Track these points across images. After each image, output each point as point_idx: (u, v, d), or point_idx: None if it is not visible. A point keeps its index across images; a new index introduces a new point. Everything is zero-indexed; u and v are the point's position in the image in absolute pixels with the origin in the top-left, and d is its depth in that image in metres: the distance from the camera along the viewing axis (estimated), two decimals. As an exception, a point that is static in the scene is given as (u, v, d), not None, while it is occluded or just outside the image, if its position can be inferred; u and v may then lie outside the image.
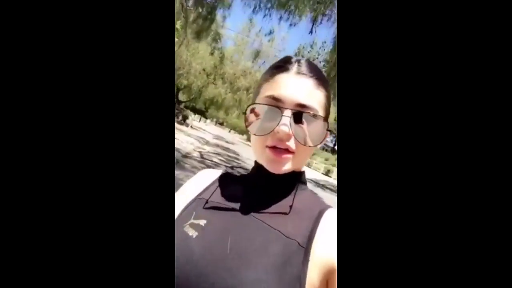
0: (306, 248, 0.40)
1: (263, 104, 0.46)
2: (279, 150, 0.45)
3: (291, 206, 0.46)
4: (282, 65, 0.48)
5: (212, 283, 0.38)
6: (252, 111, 0.47)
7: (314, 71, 0.48)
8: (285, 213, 0.45)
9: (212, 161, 8.24)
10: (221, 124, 50.44)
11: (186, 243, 0.42)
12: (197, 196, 0.52)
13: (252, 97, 0.52)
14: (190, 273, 0.39)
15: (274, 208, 0.47)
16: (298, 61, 0.48)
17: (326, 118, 0.48)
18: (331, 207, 0.47)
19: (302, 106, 0.44)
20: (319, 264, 0.39)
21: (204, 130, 24.46)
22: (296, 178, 0.50)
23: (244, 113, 0.47)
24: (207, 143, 13.41)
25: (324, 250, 0.40)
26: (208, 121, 44.76)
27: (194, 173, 0.64)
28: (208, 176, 0.56)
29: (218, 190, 0.52)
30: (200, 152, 9.26)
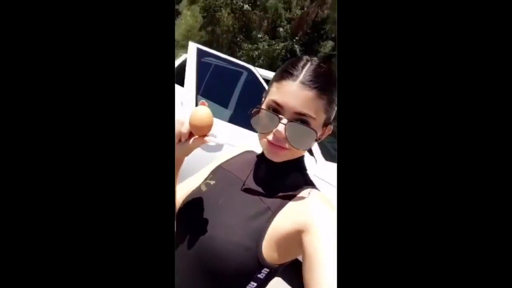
0: (273, 212, 0.54)
1: (264, 109, 0.54)
2: (276, 145, 0.54)
3: (279, 183, 0.59)
4: (291, 71, 0.53)
5: (206, 220, 0.56)
6: (257, 111, 0.55)
7: (319, 80, 0.52)
8: (272, 188, 0.59)
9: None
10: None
11: (198, 194, 0.62)
12: (220, 164, 0.70)
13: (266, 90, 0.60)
14: (196, 213, 0.58)
15: (266, 183, 0.60)
16: (308, 66, 0.53)
17: (326, 123, 0.56)
18: (312, 188, 0.58)
19: (300, 114, 0.52)
20: (284, 226, 0.51)
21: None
22: (294, 164, 0.60)
23: (250, 113, 0.56)
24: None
25: (288, 217, 0.52)
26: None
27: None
28: (236, 151, 0.73)
29: (235, 161, 0.69)
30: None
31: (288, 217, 0.52)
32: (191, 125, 0.50)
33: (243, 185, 0.61)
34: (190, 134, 0.52)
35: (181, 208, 0.63)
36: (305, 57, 0.56)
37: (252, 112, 0.55)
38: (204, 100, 0.52)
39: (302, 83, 0.51)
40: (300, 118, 0.52)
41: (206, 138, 0.50)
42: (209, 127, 0.50)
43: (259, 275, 0.52)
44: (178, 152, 0.52)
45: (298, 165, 0.61)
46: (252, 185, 0.60)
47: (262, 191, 0.59)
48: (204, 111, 0.50)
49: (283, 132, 0.51)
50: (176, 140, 0.52)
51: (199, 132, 0.50)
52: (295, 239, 0.48)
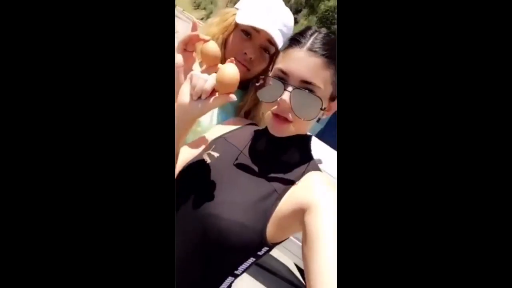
0: (279, 194, 0.53)
1: (271, 76, 0.52)
2: (280, 117, 0.52)
3: (284, 162, 0.56)
4: (298, 39, 0.51)
5: (209, 192, 0.54)
6: (263, 79, 0.54)
7: (327, 48, 0.50)
8: (276, 166, 0.56)
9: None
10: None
11: (201, 165, 0.59)
12: (222, 135, 0.65)
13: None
14: (199, 186, 0.56)
15: (271, 160, 0.57)
16: (316, 34, 0.51)
17: (333, 97, 0.53)
18: (317, 170, 0.56)
19: (306, 82, 0.49)
20: (288, 208, 0.51)
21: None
22: (298, 143, 0.57)
23: (257, 82, 0.54)
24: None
25: (292, 199, 0.51)
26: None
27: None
28: (237, 123, 0.70)
29: (239, 135, 0.64)
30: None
31: (292, 199, 0.52)
32: (219, 81, 0.47)
33: (250, 162, 0.58)
34: (212, 92, 0.48)
35: (182, 175, 0.59)
36: (314, 27, 0.54)
37: (258, 83, 0.53)
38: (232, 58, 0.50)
39: (310, 49, 0.50)
40: (306, 87, 0.49)
41: (231, 96, 0.47)
42: (236, 84, 0.48)
43: (258, 252, 0.53)
44: (195, 110, 0.48)
45: (303, 144, 0.58)
46: (255, 161, 0.58)
47: (267, 169, 0.56)
48: (232, 68, 0.48)
49: (288, 101, 0.49)
50: (195, 97, 0.48)
51: (226, 89, 0.47)
52: (297, 218, 0.48)
